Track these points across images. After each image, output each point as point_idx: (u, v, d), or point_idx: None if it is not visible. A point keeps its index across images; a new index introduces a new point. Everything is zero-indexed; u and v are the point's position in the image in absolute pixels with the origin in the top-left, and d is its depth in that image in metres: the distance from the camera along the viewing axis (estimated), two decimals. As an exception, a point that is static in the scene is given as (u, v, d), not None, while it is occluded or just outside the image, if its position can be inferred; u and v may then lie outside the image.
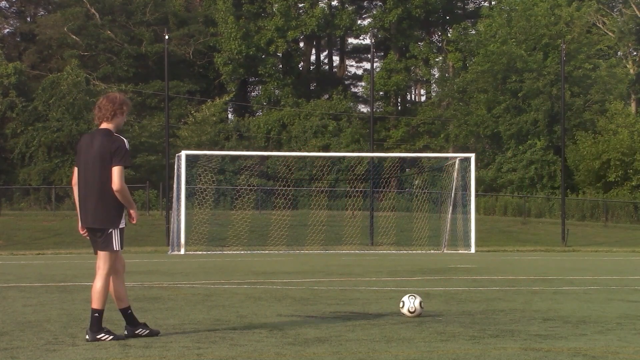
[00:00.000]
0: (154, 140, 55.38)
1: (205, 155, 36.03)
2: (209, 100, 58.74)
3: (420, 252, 31.66)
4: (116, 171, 7.91)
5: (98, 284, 8.12)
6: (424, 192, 38.68)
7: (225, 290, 13.76)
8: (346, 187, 45.08)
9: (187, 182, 30.77)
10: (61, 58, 60.35)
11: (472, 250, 31.23)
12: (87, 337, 8.01)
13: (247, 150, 52.79)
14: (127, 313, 8.24)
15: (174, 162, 32.10)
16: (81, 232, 8.28)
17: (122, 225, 8.10)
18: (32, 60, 61.44)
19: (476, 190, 34.42)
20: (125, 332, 8.21)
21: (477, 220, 32.81)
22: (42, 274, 17.55)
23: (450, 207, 33.53)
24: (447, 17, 68.39)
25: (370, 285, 15.07)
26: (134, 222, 8.22)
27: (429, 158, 44.92)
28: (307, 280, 16.08)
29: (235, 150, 51.52)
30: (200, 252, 29.68)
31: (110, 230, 8.05)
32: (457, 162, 33.72)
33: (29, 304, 11.41)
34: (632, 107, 61.17)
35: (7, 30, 68.01)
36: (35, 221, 40.48)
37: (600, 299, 12.37)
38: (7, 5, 68.60)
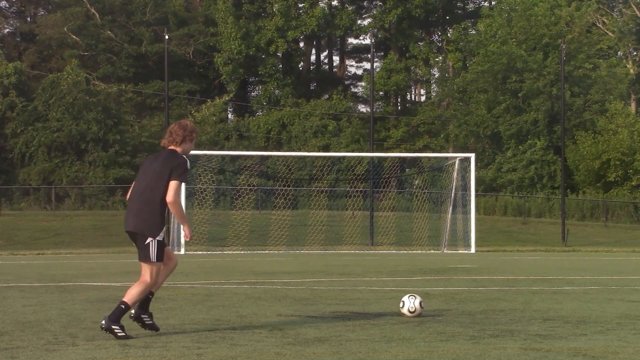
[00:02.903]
0: (154, 140, 55.34)
1: (205, 155, 36.03)
2: (209, 100, 58.75)
3: (420, 252, 31.66)
4: (173, 185, 8.27)
5: (136, 288, 8.35)
6: (424, 192, 38.68)
7: (225, 290, 13.75)
8: (346, 187, 45.06)
9: (187, 182, 30.76)
10: (61, 58, 60.35)
11: (472, 250, 31.23)
12: (102, 322, 8.15)
13: (247, 150, 52.76)
14: (120, 306, 8.29)
15: (174, 162, 32.02)
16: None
17: (160, 238, 8.32)
18: (32, 60, 61.44)
19: (476, 190, 34.42)
20: (132, 313, 8.36)
21: (477, 220, 32.81)
22: (42, 274, 17.55)
23: (450, 207, 33.52)
24: (447, 17, 68.38)
25: (370, 285, 15.06)
26: (188, 238, 8.52)
27: (429, 158, 44.90)
28: (307, 280, 16.08)
29: (235, 150, 51.49)
30: (200, 252, 29.68)
31: (148, 239, 8.29)
32: (457, 162, 33.71)
33: (29, 304, 11.41)
34: (632, 107, 61.17)
35: (7, 30, 68.07)
36: (35, 221, 40.48)
37: (600, 299, 12.36)
38: (7, 5, 68.65)
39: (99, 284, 14.84)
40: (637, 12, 61.55)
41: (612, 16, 64.10)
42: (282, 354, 7.33)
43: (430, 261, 23.98)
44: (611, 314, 10.46)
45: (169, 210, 8.39)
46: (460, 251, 31.53)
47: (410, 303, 9.91)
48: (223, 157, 46.98)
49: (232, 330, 8.75)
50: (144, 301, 8.44)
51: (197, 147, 48.94)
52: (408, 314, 9.88)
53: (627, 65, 61.50)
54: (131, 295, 8.28)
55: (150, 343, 7.88)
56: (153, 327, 8.46)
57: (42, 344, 7.82)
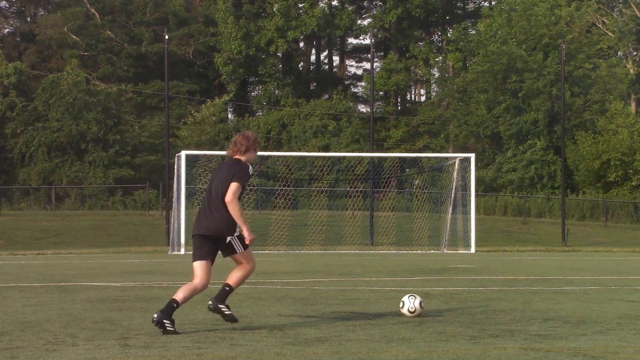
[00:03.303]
0: (154, 140, 55.40)
1: (205, 155, 36.01)
2: (209, 100, 58.75)
3: (420, 252, 31.66)
4: (232, 186, 8.85)
5: (239, 272, 9.03)
6: (424, 192, 38.68)
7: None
8: (346, 187, 45.04)
9: (187, 182, 30.75)
10: (61, 58, 60.36)
11: (472, 250, 31.23)
12: (209, 303, 8.94)
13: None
14: (224, 289, 8.98)
15: (174, 162, 32.10)
16: None
17: (237, 233, 8.96)
18: (32, 60, 61.45)
19: (476, 190, 34.41)
20: (210, 303, 8.95)
21: (477, 220, 32.80)
22: (42, 274, 17.55)
23: (450, 207, 33.52)
24: (447, 17, 68.39)
25: (370, 285, 15.06)
26: (249, 242, 8.87)
27: (429, 158, 44.90)
28: (307, 280, 16.08)
29: (235, 150, 51.39)
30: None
31: (228, 238, 8.91)
32: (457, 162, 33.71)
33: (29, 304, 11.41)
34: (632, 107, 61.17)
35: (7, 30, 68.08)
36: (35, 221, 40.48)
37: (600, 299, 12.36)
38: (7, 5, 68.66)
39: (99, 284, 14.84)
40: (637, 12, 61.54)
41: (612, 16, 64.10)
42: (282, 354, 7.32)
43: (430, 261, 23.98)
44: (611, 314, 10.46)
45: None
46: (460, 251, 31.52)
47: (410, 303, 9.91)
48: (223, 157, 46.88)
49: (232, 330, 8.75)
50: (221, 293, 8.96)
51: (197, 147, 49.08)
52: (408, 314, 9.88)
53: (627, 65, 61.50)
54: (235, 278, 8.96)
55: (150, 343, 7.88)
56: (232, 318, 8.95)
57: (42, 344, 7.81)
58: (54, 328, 8.93)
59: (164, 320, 8.54)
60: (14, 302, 11.59)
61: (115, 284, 14.82)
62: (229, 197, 8.77)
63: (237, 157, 9.13)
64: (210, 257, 8.88)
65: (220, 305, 8.89)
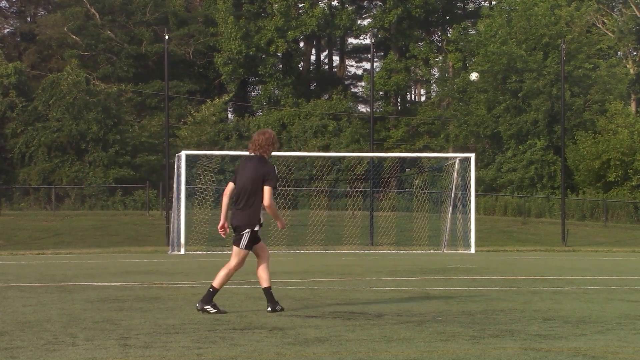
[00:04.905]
0: (154, 140, 55.39)
1: (205, 155, 35.99)
2: (208, 100, 58.76)
3: (420, 252, 31.66)
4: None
5: (223, 271, 10.30)
6: (424, 192, 38.67)
7: (225, 290, 13.74)
8: (346, 187, 45.05)
9: (187, 182, 30.75)
10: (61, 58, 60.37)
11: (472, 250, 31.23)
12: (197, 305, 10.15)
13: (247, 150, 52.70)
14: (267, 292, 10.46)
15: (174, 162, 32.09)
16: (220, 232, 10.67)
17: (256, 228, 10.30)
18: (32, 60, 61.46)
19: (476, 190, 34.41)
20: (269, 309, 10.29)
21: (477, 220, 32.79)
22: (42, 274, 17.54)
23: (450, 207, 33.51)
24: (447, 17, 68.41)
25: (370, 285, 15.05)
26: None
27: (429, 158, 44.88)
28: (307, 280, 16.07)
29: (235, 150, 51.46)
30: (200, 252, 29.67)
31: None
32: (457, 162, 33.70)
33: (29, 304, 11.41)
34: (632, 107, 61.19)
35: (7, 30, 68.09)
36: (35, 221, 40.48)
37: (600, 299, 12.36)
38: (7, 5, 68.67)
39: (99, 284, 14.84)
40: (637, 12, 61.55)
41: (612, 16, 64.12)
42: (282, 354, 7.32)
43: (430, 261, 23.98)
44: (611, 314, 10.46)
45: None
46: (460, 251, 31.52)
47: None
48: (223, 157, 46.94)
49: (232, 330, 8.75)
50: (268, 297, 10.44)
51: (197, 147, 49.11)
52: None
53: (627, 65, 61.52)
54: (219, 278, 10.20)
55: (150, 343, 7.88)
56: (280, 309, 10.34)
57: (42, 344, 7.81)
58: (54, 328, 8.93)
59: (205, 307, 10.00)
60: (14, 302, 11.59)
61: (115, 284, 14.82)
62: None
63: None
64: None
65: (276, 307, 10.38)
